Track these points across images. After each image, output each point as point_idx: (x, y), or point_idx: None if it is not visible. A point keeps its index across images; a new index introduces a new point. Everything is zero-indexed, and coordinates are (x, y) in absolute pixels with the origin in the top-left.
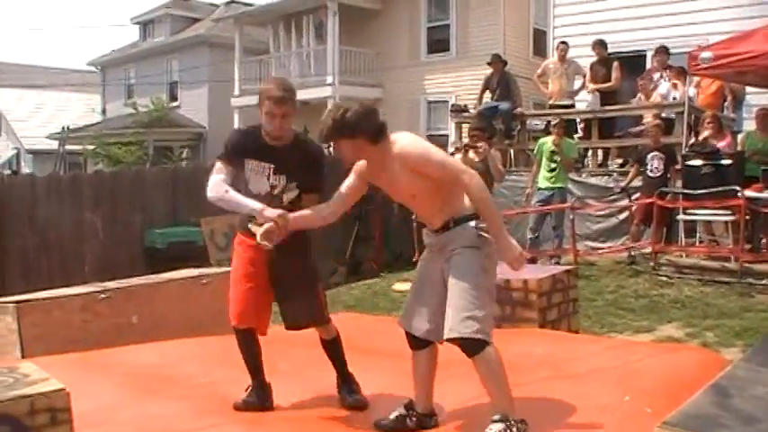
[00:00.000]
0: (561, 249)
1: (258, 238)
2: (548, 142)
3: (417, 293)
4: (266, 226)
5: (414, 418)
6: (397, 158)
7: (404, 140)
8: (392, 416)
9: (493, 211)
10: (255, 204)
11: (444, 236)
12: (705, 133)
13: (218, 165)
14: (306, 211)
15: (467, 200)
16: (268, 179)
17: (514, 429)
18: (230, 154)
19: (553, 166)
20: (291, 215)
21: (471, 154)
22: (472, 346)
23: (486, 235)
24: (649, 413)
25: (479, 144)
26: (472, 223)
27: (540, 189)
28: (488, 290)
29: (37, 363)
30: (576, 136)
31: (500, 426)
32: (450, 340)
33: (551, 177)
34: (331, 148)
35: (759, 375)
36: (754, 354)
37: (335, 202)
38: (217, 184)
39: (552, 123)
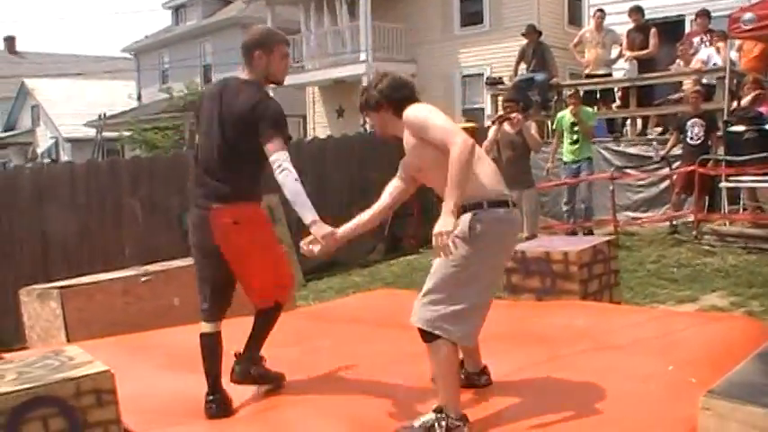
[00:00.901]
0: (595, 221)
1: (303, 245)
2: (566, 115)
3: None
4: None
5: (462, 376)
6: (406, 128)
7: (410, 109)
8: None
9: (458, 180)
10: (310, 215)
11: None
12: (747, 98)
13: (285, 152)
14: (354, 222)
15: (477, 185)
16: None
17: (443, 423)
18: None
19: (575, 137)
20: (341, 230)
21: (506, 126)
22: (426, 335)
23: (479, 228)
24: (694, 383)
25: (513, 115)
26: (469, 214)
27: (566, 163)
28: (464, 283)
29: (82, 346)
30: (614, 105)
31: (432, 416)
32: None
33: (576, 149)
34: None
35: None
36: None
37: (382, 199)
38: (296, 179)
39: (567, 94)
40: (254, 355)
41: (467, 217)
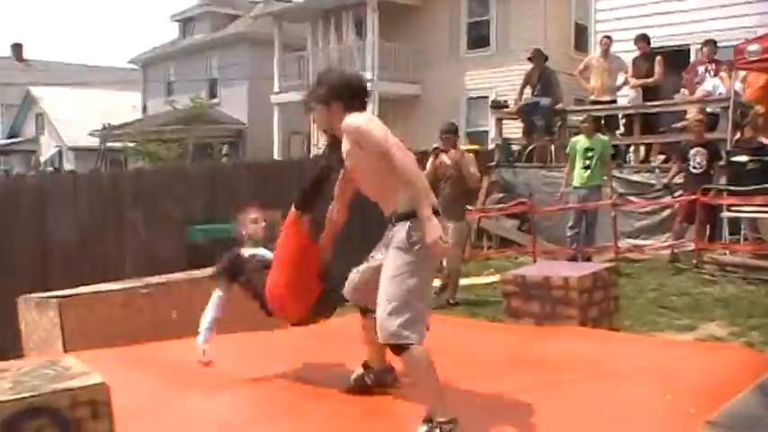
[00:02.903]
0: (596, 247)
1: None
2: (580, 140)
3: (359, 269)
4: None
5: (371, 376)
6: (344, 134)
7: (351, 115)
8: (352, 377)
9: (420, 183)
10: None
11: (388, 231)
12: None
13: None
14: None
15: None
16: None
17: (437, 431)
18: None
19: (587, 163)
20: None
21: (444, 157)
22: (396, 348)
23: (416, 237)
24: (692, 413)
25: (451, 147)
26: (407, 225)
27: (575, 188)
28: (412, 289)
29: (78, 357)
30: (617, 132)
31: (424, 428)
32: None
33: (587, 175)
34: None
35: None
36: None
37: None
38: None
39: (581, 121)
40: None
41: (404, 227)
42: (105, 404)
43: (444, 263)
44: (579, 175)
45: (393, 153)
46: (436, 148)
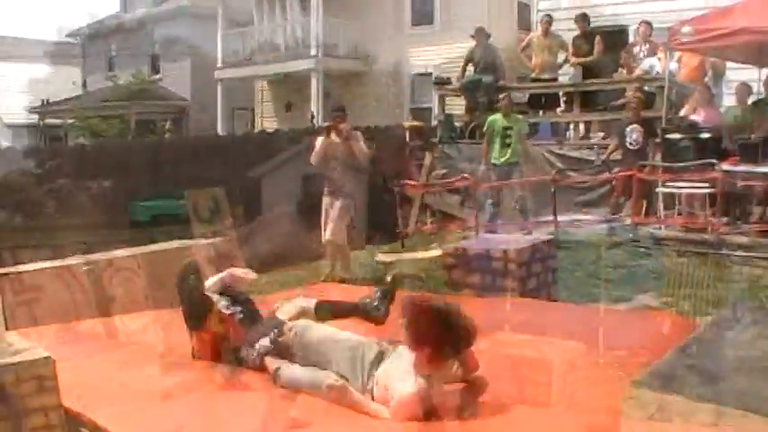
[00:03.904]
0: (536, 221)
1: None
2: (498, 119)
3: None
4: None
5: None
6: None
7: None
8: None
9: None
10: None
11: None
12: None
13: None
14: None
15: None
16: None
17: None
18: None
19: (508, 141)
20: None
21: (333, 135)
22: None
23: None
24: (621, 375)
25: (341, 125)
26: None
27: (496, 165)
28: None
29: (21, 334)
30: (558, 109)
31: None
32: None
33: (506, 153)
34: None
35: (725, 338)
36: (722, 318)
37: None
38: None
39: (500, 98)
40: None
41: None
42: (51, 378)
43: (329, 235)
44: (500, 153)
45: None
46: (328, 126)
